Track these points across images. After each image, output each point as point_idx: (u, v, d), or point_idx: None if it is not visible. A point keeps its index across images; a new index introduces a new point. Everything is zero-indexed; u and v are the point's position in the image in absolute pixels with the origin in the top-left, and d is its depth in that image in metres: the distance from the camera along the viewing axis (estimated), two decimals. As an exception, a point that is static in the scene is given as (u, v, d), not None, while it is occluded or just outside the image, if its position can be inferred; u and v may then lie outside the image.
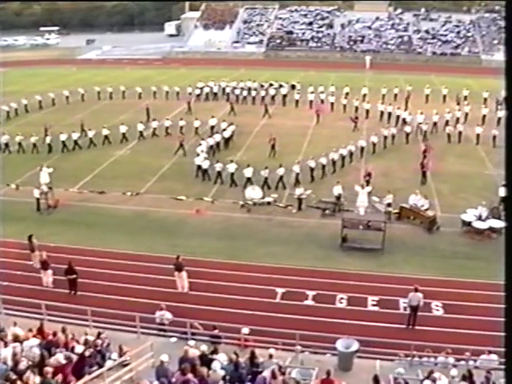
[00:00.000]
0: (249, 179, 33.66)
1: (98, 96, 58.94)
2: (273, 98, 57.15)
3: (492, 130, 42.05)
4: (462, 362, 17.17)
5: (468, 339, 19.42)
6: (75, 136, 42.13)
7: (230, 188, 34.32)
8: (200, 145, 38.76)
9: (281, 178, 34.13)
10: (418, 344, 17.57)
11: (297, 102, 55.23)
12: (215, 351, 16.25)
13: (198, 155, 36.85)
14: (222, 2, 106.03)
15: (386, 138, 41.93)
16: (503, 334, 9.08)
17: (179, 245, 26.98)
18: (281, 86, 59.89)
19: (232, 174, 34.42)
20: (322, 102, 54.12)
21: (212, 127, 44.29)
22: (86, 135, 43.13)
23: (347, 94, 55.30)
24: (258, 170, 34.08)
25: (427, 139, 42.28)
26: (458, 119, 46.00)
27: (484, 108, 46.81)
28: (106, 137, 43.07)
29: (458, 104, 50.11)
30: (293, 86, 60.85)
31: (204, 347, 16.07)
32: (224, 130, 42.98)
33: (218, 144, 41.00)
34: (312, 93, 55.89)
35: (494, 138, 41.08)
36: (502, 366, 16.43)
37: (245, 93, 57.65)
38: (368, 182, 33.19)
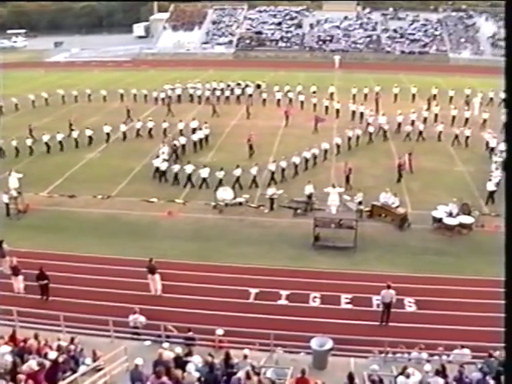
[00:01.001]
0: (220, 180, 33.59)
1: (62, 100, 58.02)
2: (238, 97, 57.35)
3: (459, 129, 42.62)
4: (436, 357, 17.32)
5: (441, 334, 19.61)
6: (45, 138, 41.64)
7: (201, 189, 34.18)
8: (161, 147, 38.51)
9: (254, 177, 34.19)
10: (392, 340, 17.75)
11: (264, 101, 55.43)
12: (190, 353, 16.20)
13: (157, 157, 36.69)
14: (191, 2, 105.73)
15: (358, 137, 42.32)
16: (501, 330, 9.15)
17: (152, 247, 26.85)
18: (247, 85, 60.12)
19: (204, 178, 34.24)
20: (291, 101, 54.63)
21: (181, 130, 44.04)
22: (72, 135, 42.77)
23: (314, 92, 55.92)
24: (230, 171, 34.04)
25: (410, 139, 42.68)
26: (425, 119, 46.39)
27: (453, 109, 46.84)
28: (76, 140, 42.62)
29: (429, 104, 50.06)
30: (258, 86, 61.04)
31: (178, 349, 16.00)
32: (197, 130, 42.92)
33: (183, 146, 40.67)
34: (278, 91, 56.34)
35: (467, 138, 41.19)
36: (475, 360, 16.69)
37: (207, 93, 57.92)
38: (348, 178, 33.84)
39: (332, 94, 56.51)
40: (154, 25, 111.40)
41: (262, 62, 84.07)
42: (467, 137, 41.70)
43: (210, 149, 42.19)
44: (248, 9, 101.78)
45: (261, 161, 36.44)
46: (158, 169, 35.85)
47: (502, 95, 53.15)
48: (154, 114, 50.95)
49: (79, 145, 42.89)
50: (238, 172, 33.77)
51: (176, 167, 35.20)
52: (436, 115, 47.22)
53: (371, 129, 43.34)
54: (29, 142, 41.29)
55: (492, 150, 38.95)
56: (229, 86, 59.99)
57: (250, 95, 57.20)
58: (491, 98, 54.14)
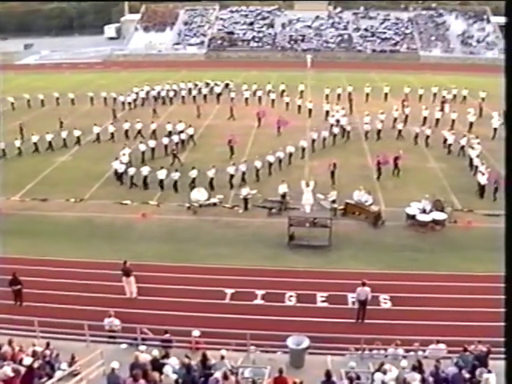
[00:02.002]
0: (194, 181, 33.48)
1: (27, 104, 57.00)
2: (205, 97, 57.32)
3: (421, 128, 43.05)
4: (412, 353, 17.48)
5: (416, 330, 19.80)
6: (18, 143, 41.18)
7: (175, 191, 34.01)
8: (123, 149, 38.23)
9: (231, 177, 34.22)
10: (368, 337, 17.86)
11: (232, 99, 55.50)
12: (166, 355, 16.13)
13: (116, 159, 36.36)
14: (162, 3, 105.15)
15: (335, 135, 42.68)
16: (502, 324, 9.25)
17: (126, 250, 26.69)
18: (216, 84, 60.18)
19: (175, 181, 34.03)
20: (260, 99, 55.13)
21: (153, 131, 43.73)
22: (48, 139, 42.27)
23: (283, 91, 56.45)
24: (204, 172, 34.00)
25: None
26: (406, 116, 46.52)
27: (424, 110, 46.74)
28: (50, 143, 42.15)
29: (403, 105, 49.52)
30: (227, 85, 61.06)
31: (155, 352, 15.92)
32: (181, 131, 42.71)
33: (153, 149, 40.20)
34: (247, 90, 56.69)
35: (445, 141, 40.94)
36: (450, 355, 16.88)
37: (171, 93, 57.89)
38: (333, 173, 34.41)
39: (302, 92, 56.93)
40: (125, 26, 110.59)
41: (234, 62, 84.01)
42: (427, 136, 41.85)
43: (186, 149, 41.99)
44: (219, 9, 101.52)
45: (236, 161, 36.42)
46: (116, 171, 35.74)
47: (482, 94, 53.99)
48: (126, 116, 50.46)
49: (53, 147, 42.38)
50: (212, 173, 33.68)
51: (132, 170, 34.98)
52: (406, 116, 46.98)
53: (336, 130, 43.13)
54: (2, 145, 40.92)
55: (449, 146, 39.70)
56: (196, 85, 59.90)
57: (219, 94, 57.43)
58: (464, 97, 54.72)
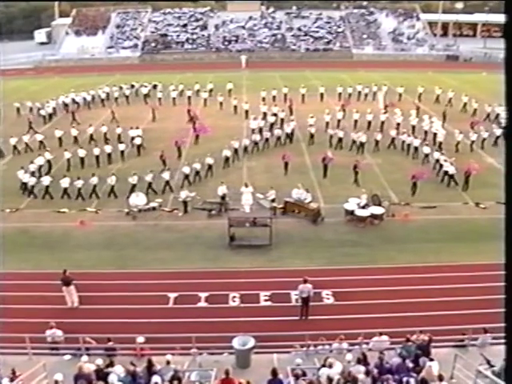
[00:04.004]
0: (133, 186, 33.11)
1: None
2: (127, 97, 57.11)
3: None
4: (356, 346, 17.79)
5: (359, 324, 20.13)
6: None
7: (113, 197, 33.53)
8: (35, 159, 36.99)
9: (167, 182, 33.98)
10: (313, 333, 18.09)
11: (159, 99, 55.58)
12: (111, 364, 15.93)
13: (21, 168, 34.89)
14: (94, 7, 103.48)
15: (278, 137, 42.58)
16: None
17: (65, 259, 26.20)
18: (142, 85, 59.94)
19: (112, 186, 33.54)
20: (189, 98, 55.21)
21: (91, 135, 43.05)
22: None
23: (211, 90, 57.12)
24: (143, 176, 33.67)
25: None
26: (327, 123, 45.14)
27: (355, 113, 46.13)
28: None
29: (343, 106, 49.59)
30: (155, 86, 60.77)
31: (99, 361, 15.71)
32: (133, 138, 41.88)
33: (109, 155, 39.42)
34: (174, 91, 56.93)
35: (377, 142, 41.29)
36: (393, 346, 17.23)
37: (103, 95, 57.33)
38: (326, 167, 35.42)
39: (230, 90, 57.68)
40: (55, 30, 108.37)
41: (169, 65, 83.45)
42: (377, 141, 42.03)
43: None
44: (152, 11, 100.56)
45: (174, 164, 36.25)
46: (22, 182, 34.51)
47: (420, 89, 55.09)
48: (57, 123, 49.37)
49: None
50: (149, 177, 33.39)
51: (32, 180, 33.99)
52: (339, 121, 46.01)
53: (278, 131, 42.98)
54: None
55: (408, 146, 40.25)
56: (121, 88, 59.37)
57: (146, 95, 57.36)
58: (400, 94, 55.78)
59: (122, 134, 42.50)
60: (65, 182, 33.29)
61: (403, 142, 40.58)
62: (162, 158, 37.32)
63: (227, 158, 37.92)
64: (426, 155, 38.22)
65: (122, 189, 33.33)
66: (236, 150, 39.38)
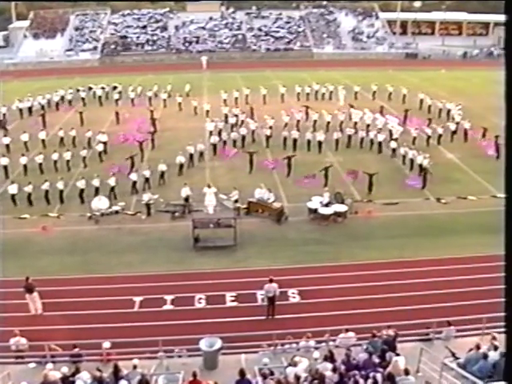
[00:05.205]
0: (97, 190, 32.75)
1: None
2: (83, 100, 56.51)
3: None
4: (323, 344, 17.90)
5: (326, 321, 20.21)
6: None
7: (75, 201, 33.09)
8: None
9: (134, 183, 33.76)
10: (280, 332, 18.10)
11: (116, 101, 55.55)
12: (77, 371, 15.73)
13: None
14: (52, 9, 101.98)
15: (243, 138, 42.46)
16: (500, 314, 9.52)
17: (29, 265, 25.75)
18: (102, 88, 59.57)
19: (81, 189, 33.00)
20: (150, 100, 55.05)
21: (43, 140, 42.36)
22: None
23: (170, 91, 57.02)
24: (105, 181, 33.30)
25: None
26: (286, 124, 44.96)
27: (314, 114, 46.33)
28: None
29: (307, 112, 48.87)
30: (114, 88, 60.34)
31: (64, 369, 15.52)
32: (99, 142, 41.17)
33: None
34: (132, 91, 56.88)
35: (337, 141, 41.33)
36: (360, 342, 17.40)
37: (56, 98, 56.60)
38: (290, 166, 35.71)
39: (188, 91, 57.97)
40: (13, 33, 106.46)
41: (129, 67, 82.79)
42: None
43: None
44: (111, 13, 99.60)
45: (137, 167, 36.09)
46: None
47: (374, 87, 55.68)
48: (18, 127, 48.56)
49: None
50: (112, 181, 33.06)
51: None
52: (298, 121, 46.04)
53: (242, 131, 43.06)
54: None
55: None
56: (78, 90, 58.84)
57: (100, 97, 57.28)
58: (356, 93, 56.32)
59: (86, 138, 42.09)
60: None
61: (362, 139, 41.10)
62: (130, 159, 37.05)
63: (181, 165, 36.91)
64: (394, 150, 38.94)
65: (85, 193, 32.93)
66: (191, 156, 38.46)
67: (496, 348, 15.12)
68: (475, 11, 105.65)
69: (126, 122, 49.04)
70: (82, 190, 32.86)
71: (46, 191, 32.69)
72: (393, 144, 39.26)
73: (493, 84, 63.84)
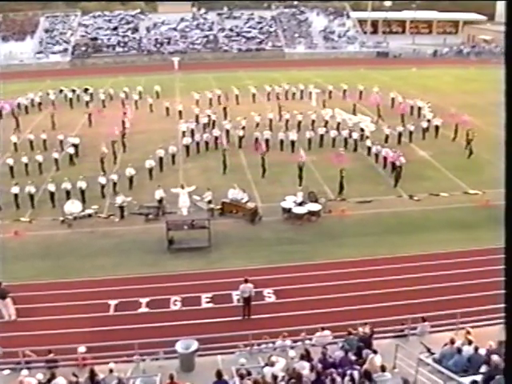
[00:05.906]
0: (68, 193, 32.46)
1: None
2: (53, 103, 55.76)
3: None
4: (299, 343, 17.96)
5: (301, 320, 20.23)
6: None
7: (47, 205, 32.76)
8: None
9: (102, 187, 33.49)
10: (256, 332, 18.12)
11: (87, 103, 55.51)
12: (53, 376, 15.56)
13: None
14: (21, 11, 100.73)
15: (216, 138, 42.08)
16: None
17: (1, 271, 25.44)
18: (73, 90, 59.38)
19: (52, 193, 32.63)
20: (123, 102, 54.83)
21: (14, 144, 41.95)
22: None
23: (140, 93, 57.15)
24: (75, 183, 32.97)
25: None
26: (257, 124, 45.26)
27: (286, 113, 46.57)
28: None
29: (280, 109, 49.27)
30: (86, 90, 60.00)
31: (40, 375, 15.36)
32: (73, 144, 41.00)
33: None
34: (103, 93, 56.91)
35: (310, 140, 41.62)
36: (336, 340, 17.49)
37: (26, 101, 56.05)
38: (264, 167, 36.11)
39: (157, 92, 58.29)
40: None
41: (100, 69, 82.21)
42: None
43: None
44: (82, 15, 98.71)
45: (108, 170, 35.88)
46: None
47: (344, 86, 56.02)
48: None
49: None
50: (83, 184, 32.73)
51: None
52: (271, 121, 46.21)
53: (215, 132, 42.79)
54: None
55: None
56: (48, 94, 58.19)
57: (71, 99, 57.19)
58: (330, 91, 56.64)
59: (58, 141, 41.80)
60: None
61: (334, 138, 41.38)
62: (101, 161, 36.83)
63: (151, 169, 36.47)
64: (369, 148, 39.36)
65: (56, 196, 32.62)
66: (161, 159, 37.99)
67: (470, 342, 15.32)
68: (445, 10, 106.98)
69: (98, 125, 48.56)
70: (52, 194, 32.55)
71: (16, 195, 32.33)
72: (368, 142, 39.64)
73: (463, 81, 65.43)
